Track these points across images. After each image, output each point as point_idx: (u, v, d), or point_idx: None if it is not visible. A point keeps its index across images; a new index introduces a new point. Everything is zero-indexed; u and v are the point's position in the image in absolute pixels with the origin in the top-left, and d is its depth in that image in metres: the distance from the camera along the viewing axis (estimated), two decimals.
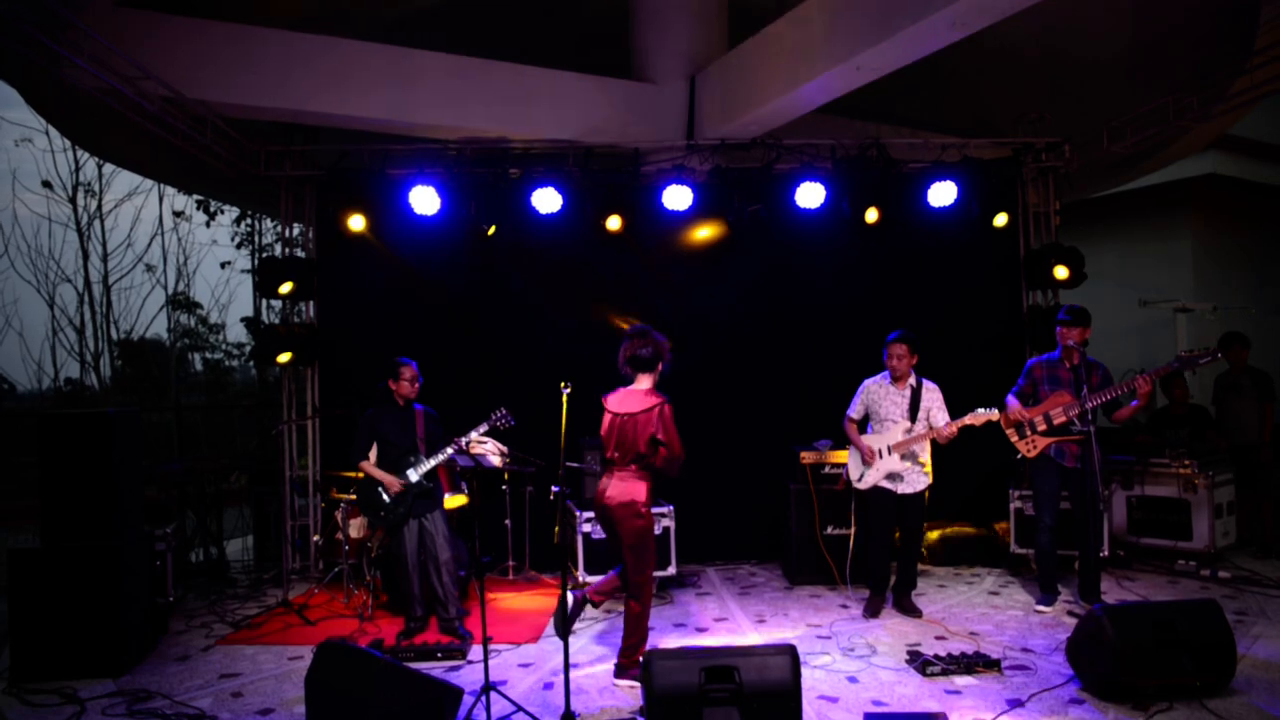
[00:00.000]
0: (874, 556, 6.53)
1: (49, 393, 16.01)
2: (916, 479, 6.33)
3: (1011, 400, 6.49)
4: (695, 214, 8.08)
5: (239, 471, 9.53)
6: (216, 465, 9.36)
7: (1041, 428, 6.31)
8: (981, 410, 6.09)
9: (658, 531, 6.67)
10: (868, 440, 6.43)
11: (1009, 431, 6.46)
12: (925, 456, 6.34)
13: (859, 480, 6.50)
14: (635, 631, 5.10)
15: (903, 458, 6.31)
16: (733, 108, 8.25)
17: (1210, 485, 7.36)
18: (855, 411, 6.54)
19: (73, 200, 15.94)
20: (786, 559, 7.67)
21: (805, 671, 4.36)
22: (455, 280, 8.28)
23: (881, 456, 6.35)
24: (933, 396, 6.36)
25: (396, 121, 8.07)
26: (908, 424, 6.31)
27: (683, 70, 8.90)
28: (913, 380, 6.37)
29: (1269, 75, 7.34)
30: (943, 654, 5.31)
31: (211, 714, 4.78)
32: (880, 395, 6.42)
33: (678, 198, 7.82)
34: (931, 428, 6.23)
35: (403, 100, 7.96)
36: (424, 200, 7.73)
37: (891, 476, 6.34)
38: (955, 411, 6.28)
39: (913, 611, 6.38)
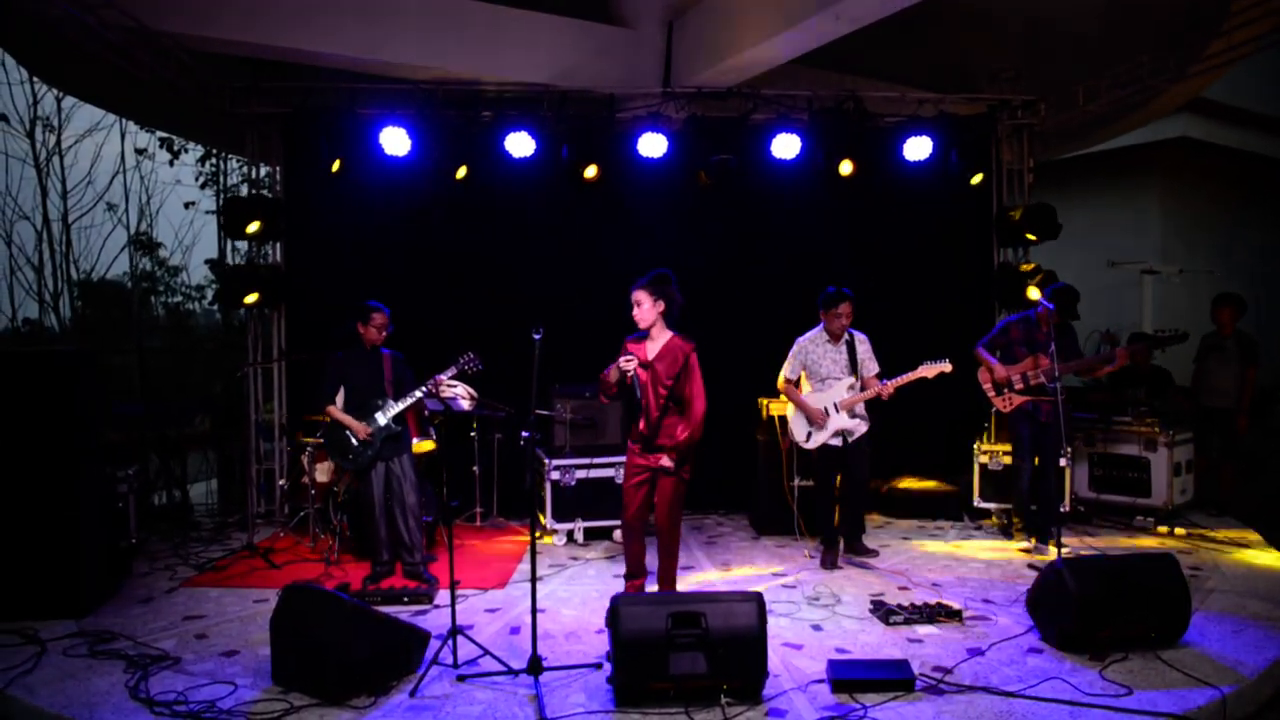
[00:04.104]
0: (826, 510, 6.55)
1: (6, 333, 15.63)
2: (858, 427, 6.36)
3: (985, 353, 6.73)
4: (670, 162, 7.98)
5: (203, 414, 9.41)
6: (180, 408, 9.23)
7: (1019, 386, 6.63)
8: (931, 363, 6.11)
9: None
10: (813, 401, 6.40)
11: (987, 388, 6.72)
12: (861, 405, 6.37)
13: (806, 441, 6.46)
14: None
15: (850, 414, 6.31)
16: (710, 55, 8.11)
17: (1170, 443, 7.47)
18: (793, 373, 6.47)
19: (30, 135, 15.47)
20: (753, 510, 7.73)
21: (770, 619, 4.39)
22: (425, 223, 8.14)
23: (830, 415, 6.34)
24: (865, 348, 6.38)
25: (367, 59, 7.85)
26: (850, 379, 6.31)
27: (660, 14, 8.72)
28: (845, 335, 6.36)
29: (1245, 38, 7.35)
30: (905, 604, 5.39)
31: (175, 655, 4.75)
32: (819, 354, 6.36)
33: (653, 145, 7.74)
34: (876, 378, 6.27)
35: (373, 38, 7.75)
36: (394, 141, 7.57)
37: (839, 433, 6.33)
38: (905, 366, 6.28)
39: (866, 552, 6.45)
